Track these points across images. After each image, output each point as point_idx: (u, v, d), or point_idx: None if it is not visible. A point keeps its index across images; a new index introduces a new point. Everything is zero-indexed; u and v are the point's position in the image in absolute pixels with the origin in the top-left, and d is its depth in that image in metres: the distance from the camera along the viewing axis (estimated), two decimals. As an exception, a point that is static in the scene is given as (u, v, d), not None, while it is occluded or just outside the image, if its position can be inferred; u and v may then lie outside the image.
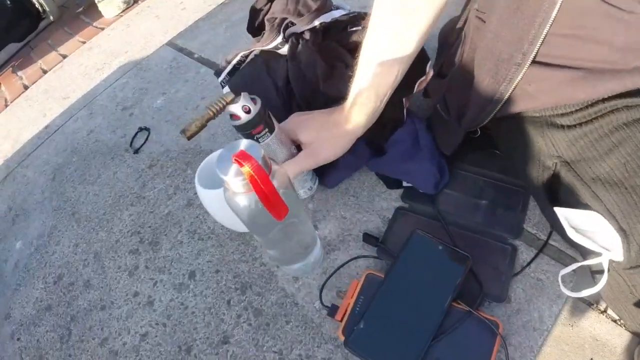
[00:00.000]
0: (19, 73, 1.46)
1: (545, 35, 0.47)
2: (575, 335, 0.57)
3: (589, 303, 0.60)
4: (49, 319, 0.76)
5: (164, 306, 0.70)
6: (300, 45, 0.69)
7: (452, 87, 0.65)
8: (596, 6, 0.43)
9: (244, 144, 0.47)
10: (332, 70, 0.68)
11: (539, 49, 0.48)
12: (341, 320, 0.59)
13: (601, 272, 0.52)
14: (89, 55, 1.27)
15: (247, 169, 0.43)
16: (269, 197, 0.45)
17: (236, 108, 0.61)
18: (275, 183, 0.47)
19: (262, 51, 0.75)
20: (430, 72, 0.73)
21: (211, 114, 0.75)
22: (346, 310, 0.60)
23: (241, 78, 0.74)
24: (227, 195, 0.50)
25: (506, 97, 0.54)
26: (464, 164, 0.72)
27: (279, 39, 0.72)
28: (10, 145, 1.16)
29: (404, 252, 0.62)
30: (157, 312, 0.70)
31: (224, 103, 0.76)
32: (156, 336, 0.68)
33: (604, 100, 0.48)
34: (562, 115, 0.52)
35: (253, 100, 0.62)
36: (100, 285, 0.77)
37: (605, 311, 0.58)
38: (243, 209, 0.49)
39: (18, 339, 0.76)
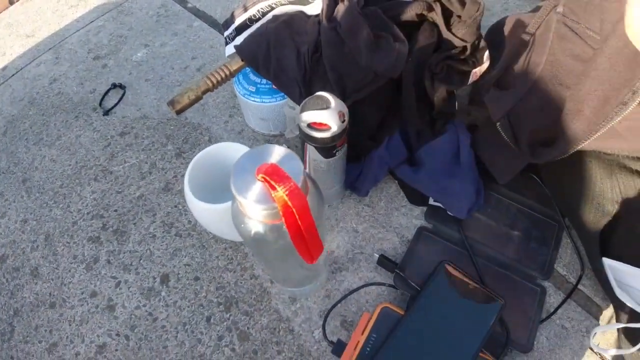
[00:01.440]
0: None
1: None
2: None
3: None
4: (-13, 310, 0.63)
5: (128, 314, 0.59)
6: (340, 4, 0.55)
7: (525, 107, 0.55)
8: None
9: (277, 152, 0.34)
10: (377, 41, 0.56)
11: None
12: (346, 361, 0.50)
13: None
14: (60, -15, 1.07)
15: (281, 194, 0.31)
16: (304, 236, 0.33)
17: (327, 116, 0.46)
18: (312, 212, 0.34)
19: (281, 7, 0.62)
20: (486, 63, 0.62)
21: (209, 84, 0.61)
22: (355, 349, 0.51)
23: (255, 39, 0.60)
24: (234, 216, 0.38)
25: (599, 133, 0.47)
26: (497, 185, 0.63)
27: None
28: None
29: (428, 286, 0.53)
30: (118, 320, 0.58)
31: (228, 72, 0.63)
32: (116, 350, 0.57)
33: None
34: (638, 159, 0.48)
35: (342, 104, 0.49)
36: (50, 276, 0.64)
37: None
38: (258, 240, 0.37)
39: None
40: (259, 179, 0.32)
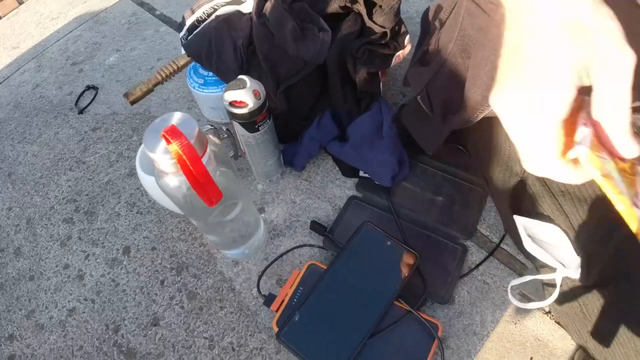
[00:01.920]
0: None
1: None
2: (518, 333, 0.57)
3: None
4: (-26, 286, 0.72)
5: (95, 281, 0.67)
6: (268, 2, 0.64)
7: (438, 80, 0.60)
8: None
9: (177, 117, 0.42)
10: (303, 32, 0.64)
11: None
12: (277, 311, 0.58)
13: (552, 285, 0.52)
14: (45, 2, 1.18)
15: (175, 147, 0.39)
16: (199, 181, 0.41)
17: (244, 94, 0.55)
18: (211, 163, 0.43)
19: (223, 8, 0.70)
20: (408, 47, 0.69)
21: (159, 78, 0.70)
22: (283, 301, 0.58)
23: (199, 38, 0.69)
24: (155, 174, 0.46)
25: None
26: (425, 157, 0.69)
27: None
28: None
29: (350, 244, 0.60)
30: (86, 287, 0.67)
31: (175, 67, 0.72)
32: (84, 312, 0.65)
33: None
34: None
35: (258, 83, 0.57)
36: (30, 254, 0.73)
37: (549, 312, 0.58)
38: (172, 191, 0.46)
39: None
40: (162, 138, 0.40)
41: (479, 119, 0.54)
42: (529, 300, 0.58)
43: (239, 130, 0.60)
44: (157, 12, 1.06)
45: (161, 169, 0.43)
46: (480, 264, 0.62)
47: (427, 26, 0.66)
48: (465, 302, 0.60)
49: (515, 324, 0.58)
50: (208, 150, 0.43)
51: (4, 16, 1.21)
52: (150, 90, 0.69)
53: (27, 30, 1.11)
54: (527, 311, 0.58)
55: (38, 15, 1.15)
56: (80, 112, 0.88)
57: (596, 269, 0.44)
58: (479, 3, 0.53)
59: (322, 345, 0.54)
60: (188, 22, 0.75)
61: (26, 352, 0.64)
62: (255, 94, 0.55)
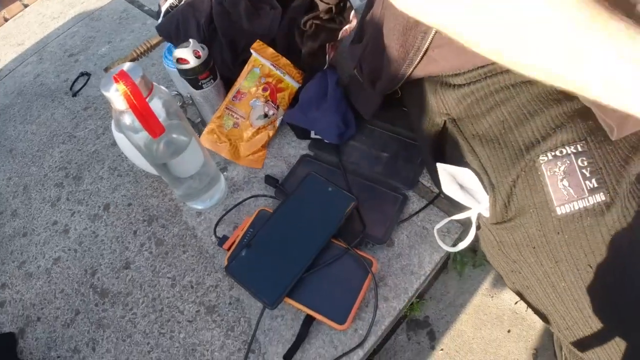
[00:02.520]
0: (-17, 20, 1.50)
1: None
2: (495, 307, 0.60)
3: None
4: (-25, 245, 0.83)
5: (78, 234, 0.77)
6: None
7: (366, 53, 0.67)
8: None
9: (126, 66, 0.52)
10: (256, 10, 0.73)
11: None
12: (229, 250, 0.66)
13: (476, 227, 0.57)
14: (48, 4, 1.32)
15: (122, 86, 0.48)
16: (142, 113, 0.50)
17: (186, 52, 0.66)
18: (157, 104, 0.52)
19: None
20: (353, 21, 0.77)
21: (135, 54, 0.80)
22: (234, 241, 0.66)
23: (167, 20, 0.79)
24: (114, 115, 0.55)
25: (416, 63, 0.55)
26: (373, 119, 0.77)
27: None
28: (-37, 86, 1.21)
29: (296, 191, 0.68)
30: (70, 239, 0.77)
31: (149, 45, 0.82)
32: (67, 260, 0.74)
33: None
34: (457, 75, 0.53)
35: (202, 47, 0.67)
36: (25, 214, 0.83)
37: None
38: (129, 128, 0.54)
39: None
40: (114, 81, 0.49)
41: (401, 82, 0.60)
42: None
43: (187, 88, 0.70)
44: (145, 8, 1.18)
45: (116, 107, 0.52)
46: (420, 210, 0.68)
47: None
48: (404, 245, 0.66)
49: (492, 297, 0.62)
50: (155, 92, 0.52)
51: (10, 18, 1.35)
52: (127, 66, 0.79)
53: (31, 29, 1.25)
54: (502, 285, 0.60)
55: (41, 16, 1.28)
56: (74, 95, 0.99)
57: (501, 202, 0.49)
58: None
59: (264, 278, 0.61)
60: (163, 9, 0.85)
61: (15, 297, 0.73)
62: (196, 53, 0.65)
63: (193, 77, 0.69)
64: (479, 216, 0.56)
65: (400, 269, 0.65)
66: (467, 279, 0.85)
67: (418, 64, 0.56)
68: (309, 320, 0.60)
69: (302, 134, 0.77)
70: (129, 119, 0.53)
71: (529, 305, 0.55)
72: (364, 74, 0.68)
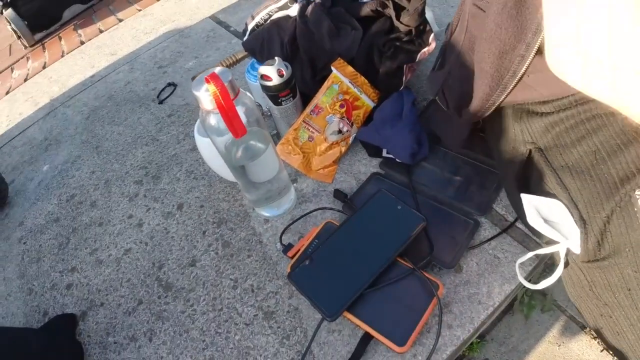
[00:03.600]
0: (79, 31, 1.71)
1: None
2: (562, 356, 0.57)
3: (582, 326, 0.60)
4: (54, 229, 0.91)
5: (151, 229, 0.82)
6: (309, 6, 0.79)
7: (450, 79, 0.68)
8: None
9: (219, 69, 0.57)
10: (338, 31, 0.77)
11: (542, 39, 0.47)
12: (292, 258, 0.67)
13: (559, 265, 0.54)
14: (141, 20, 1.47)
15: (212, 87, 0.53)
16: (228, 114, 0.54)
17: (270, 70, 0.72)
18: (241, 109, 0.56)
19: (276, 14, 0.86)
20: (432, 44, 0.79)
21: (221, 67, 0.87)
22: (299, 250, 0.68)
23: (253, 37, 0.85)
24: (201, 116, 0.60)
25: (510, 88, 0.54)
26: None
27: None
28: (58, 88, 1.38)
29: (364, 206, 0.69)
30: (143, 233, 0.82)
31: (234, 59, 0.88)
32: (137, 252, 0.79)
33: None
34: (545, 102, 0.52)
35: (286, 66, 0.73)
36: (103, 206, 0.90)
37: (596, 337, 0.59)
38: (212, 129, 0.59)
39: (24, 243, 0.91)
40: (205, 82, 0.54)
41: (491, 109, 0.59)
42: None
43: (268, 102, 0.75)
44: (232, 29, 1.28)
45: (204, 107, 0.57)
46: (492, 238, 0.66)
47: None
48: (473, 272, 0.64)
49: (559, 345, 0.58)
50: (239, 96, 0.57)
51: (105, 30, 1.51)
52: (214, 76, 0.86)
53: (124, 41, 1.39)
54: (572, 334, 0.56)
55: (134, 31, 1.43)
56: (161, 102, 1.09)
57: (594, 239, 0.46)
58: (480, 5, 0.59)
59: (326, 289, 0.62)
60: (249, 27, 0.92)
61: (83, 281, 0.79)
62: (280, 72, 0.70)
63: (274, 94, 0.74)
64: (567, 252, 0.52)
65: (467, 297, 0.63)
66: (533, 324, 0.80)
67: (512, 90, 0.55)
68: (366, 338, 0.60)
69: (373, 152, 0.79)
70: (214, 119, 0.58)
71: (613, 350, 0.52)
72: (448, 102, 0.68)
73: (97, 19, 1.71)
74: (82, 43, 1.53)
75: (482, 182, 0.72)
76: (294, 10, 0.84)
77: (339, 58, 0.77)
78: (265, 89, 0.73)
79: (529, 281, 0.58)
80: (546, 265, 0.62)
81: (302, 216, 0.74)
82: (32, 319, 0.78)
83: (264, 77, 0.72)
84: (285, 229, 0.73)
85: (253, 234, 0.75)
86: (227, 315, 0.67)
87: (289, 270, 0.66)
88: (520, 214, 0.65)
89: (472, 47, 0.62)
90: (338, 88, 0.76)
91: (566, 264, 0.54)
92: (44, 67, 1.52)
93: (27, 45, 1.76)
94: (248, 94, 0.60)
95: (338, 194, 0.75)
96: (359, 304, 0.61)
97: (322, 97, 0.76)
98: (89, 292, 0.77)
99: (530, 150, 0.55)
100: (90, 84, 1.27)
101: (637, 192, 0.42)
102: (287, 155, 0.77)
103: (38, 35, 1.80)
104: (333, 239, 0.66)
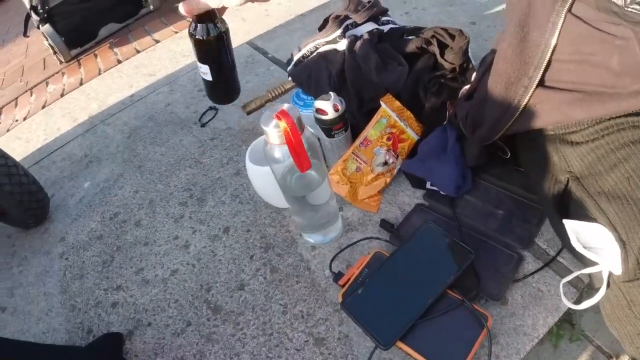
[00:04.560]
0: (115, 49, 1.77)
1: (549, 60, 0.55)
2: None
3: (609, 355, 0.63)
4: (97, 247, 0.94)
5: (197, 251, 0.85)
6: (358, 42, 0.83)
7: (473, 106, 0.73)
8: (590, 33, 0.52)
9: (285, 106, 0.60)
10: (385, 65, 0.81)
11: (543, 73, 0.57)
12: (343, 286, 0.70)
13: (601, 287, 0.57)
14: (179, 43, 1.52)
15: (283, 123, 0.56)
16: (296, 149, 0.58)
17: (327, 105, 0.77)
18: (305, 144, 0.60)
19: (322, 47, 0.91)
20: (474, 83, 0.83)
21: (270, 96, 0.91)
22: (350, 279, 0.70)
23: (302, 68, 0.89)
24: (266, 149, 0.63)
25: (516, 116, 0.62)
26: (489, 176, 0.81)
27: (338, 32, 0.88)
28: (97, 106, 1.42)
29: (413, 237, 0.72)
30: (190, 254, 0.85)
31: (283, 89, 0.93)
32: (184, 274, 0.82)
33: (611, 118, 0.54)
34: (574, 132, 0.58)
35: (340, 101, 0.77)
36: (148, 225, 0.93)
37: None
38: (276, 162, 0.62)
39: (66, 259, 0.95)
40: (273, 117, 0.57)
41: (499, 134, 0.66)
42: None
43: (320, 134, 0.78)
44: (269, 55, 1.33)
45: (270, 141, 0.60)
46: (536, 271, 0.68)
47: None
48: (518, 305, 0.66)
49: None
50: (304, 132, 0.60)
51: (142, 50, 1.57)
52: (262, 105, 0.90)
53: (162, 63, 1.44)
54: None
55: (172, 52, 1.48)
56: (203, 125, 1.13)
57: (634, 259, 0.50)
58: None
59: (379, 318, 0.65)
60: (295, 58, 0.97)
61: (129, 300, 0.82)
62: (335, 107, 0.74)
63: (328, 127, 0.77)
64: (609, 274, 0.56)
65: (513, 329, 0.65)
66: (561, 353, 0.81)
67: (519, 116, 0.62)
68: (418, 367, 0.62)
69: (417, 183, 0.82)
70: (279, 153, 0.61)
71: None
72: (467, 124, 0.74)
73: (132, 39, 1.78)
74: (119, 62, 1.59)
75: (524, 216, 0.75)
76: (342, 45, 0.88)
77: (388, 93, 0.81)
78: (320, 122, 0.77)
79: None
80: (583, 291, 0.65)
81: (350, 245, 0.77)
82: (75, 336, 0.80)
83: (319, 111, 0.75)
84: (335, 256, 0.76)
85: (301, 260, 0.78)
86: (277, 340, 0.70)
87: (340, 298, 0.68)
88: (564, 240, 0.68)
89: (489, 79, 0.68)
90: (386, 122, 0.80)
91: (608, 285, 0.57)
92: (80, 84, 1.58)
93: (63, 61, 1.82)
94: (310, 128, 0.64)
95: (385, 224, 0.78)
96: (411, 333, 0.63)
97: (371, 131, 0.80)
98: (136, 311, 0.80)
99: (567, 179, 0.60)
100: (130, 103, 1.32)
101: None
102: (336, 185, 0.80)
103: (73, 52, 1.86)
104: (384, 269, 0.69)
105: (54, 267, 0.94)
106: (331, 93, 0.75)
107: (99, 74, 1.59)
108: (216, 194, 0.95)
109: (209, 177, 0.99)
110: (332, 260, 0.75)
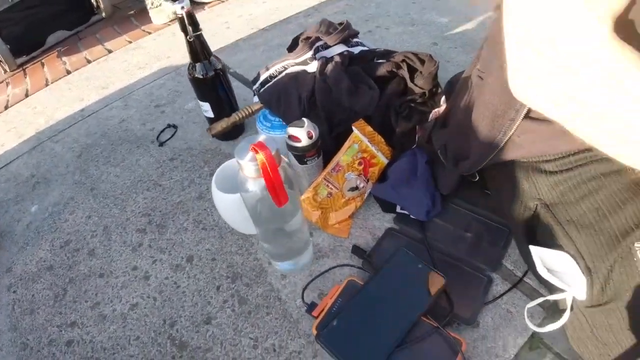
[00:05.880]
0: (64, 58, 1.67)
1: None
2: None
3: None
4: (48, 278, 0.87)
5: (158, 282, 0.80)
6: (329, 64, 0.82)
7: (452, 136, 0.75)
8: None
9: (261, 138, 0.58)
10: (356, 89, 0.81)
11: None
12: (317, 317, 0.68)
13: (566, 310, 0.60)
14: (133, 54, 1.45)
15: (261, 156, 0.54)
16: (274, 184, 0.56)
17: (300, 132, 0.74)
18: (282, 176, 0.58)
19: (291, 68, 0.89)
20: (443, 105, 0.85)
21: (237, 118, 0.89)
22: (323, 309, 0.69)
23: (271, 89, 0.88)
24: (239, 179, 0.61)
25: (501, 146, 0.64)
26: (458, 200, 0.82)
27: (309, 54, 0.87)
28: (44, 121, 1.32)
29: (386, 265, 0.71)
30: (150, 286, 0.80)
31: (250, 111, 0.90)
32: (145, 308, 0.77)
33: (585, 150, 0.57)
34: (547, 161, 0.60)
35: (314, 127, 0.75)
36: (103, 255, 0.87)
37: None
38: (250, 194, 0.60)
39: (14, 292, 0.86)
40: (250, 150, 0.55)
41: (483, 164, 0.68)
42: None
43: (292, 160, 0.77)
44: (231, 70, 1.30)
45: (245, 174, 0.58)
46: (504, 293, 0.70)
47: (448, 95, 0.83)
48: (489, 327, 0.68)
49: None
50: (281, 165, 0.58)
51: (93, 60, 1.48)
52: (228, 128, 0.87)
53: (115, 75, 1.37)
54: None
55: (126, 64, 1.41)
56: (161, 144, 1.08)
57: (598, 286, 0.53)
58: (480, 75, 0.69)
59: (356, 350, 0.64)
60: (262, 77, 0.95)
61: (85, 338, 0.76)
62: (309, 134, 0.72)
63: (301, 154, 0.76)
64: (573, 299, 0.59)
65: (485, 351, 0.66)
66: None
67: (504, 147, 0.64)
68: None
69: (387, 207, 0.82)
70: (253, 185, 0.59)
71: None
72: (447, 155, 0.76)
73: (82, 47, 1.68)
74: (68, 72, 1.49)
75: (491, 238, 0.77)
76: (312, 67, 0.87)
77: (361, 119, 0.81)
78: (293, 149, 0.75)
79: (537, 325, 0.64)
80: (549, 312, 0.68)
81: (321, 273, 0.75)
82: (27, 378, 0.74)
83: (292, 137, 0.74)
84: (307, 285, 0.74)
85: (271, 290, 0.76)
86: (248, 377, 0.67)
87: (315, 331, 0.66)
88: (530, 264, 0.71)
89: (472, 110, 0.70)
90: (358, 147, 0.79)
91: (571, 309, 0.60)
92: (26, 95, 1.47)
93: (8, 70, 1.70)
94: (285, 159, 0.62)
95: (356, 250, 0.77)
96: (388, 362, 0.62)
97: (343, 156, 0.79)
98: (93, 349, 0.74)
99: (537, 205, 0.62)
100: (80, 118, 1.24)
101: (636, 245, 0.50)
102: (306, 211, 0.78)
103: (19, 60, 1.74)
104: (359, 299, 0.68)
105: (2, 301, 0.85)
106: (304, 119, 0.74)
107: (47, 84, 1.49)
108: (177, 220, 0.90)
109: (169, 202, 0.94)
110: (304, 290, 0.73)
